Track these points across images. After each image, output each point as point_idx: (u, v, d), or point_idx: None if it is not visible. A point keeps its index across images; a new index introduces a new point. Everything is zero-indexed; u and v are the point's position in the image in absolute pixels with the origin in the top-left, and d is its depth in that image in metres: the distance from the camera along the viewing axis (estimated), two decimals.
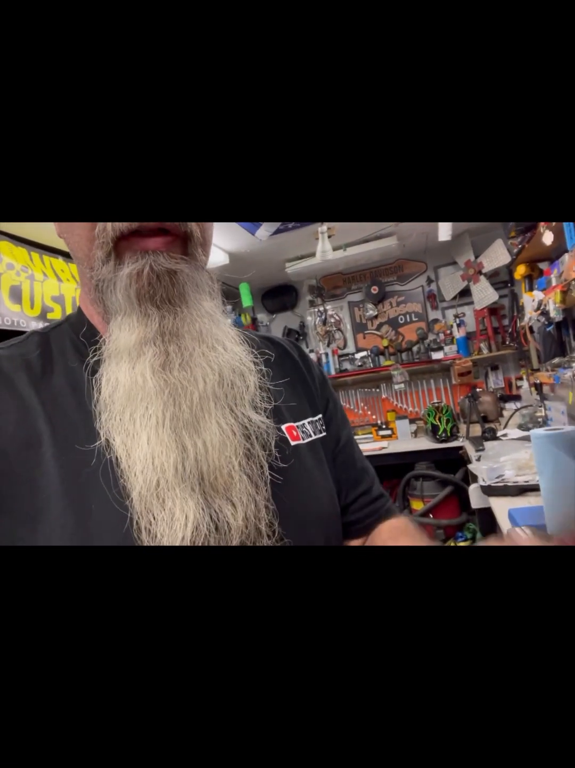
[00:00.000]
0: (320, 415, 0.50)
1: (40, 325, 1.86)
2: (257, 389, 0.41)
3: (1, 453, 0.34)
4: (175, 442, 0.35)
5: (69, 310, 2.02)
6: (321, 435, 0.48)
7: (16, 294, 1.85)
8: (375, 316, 3.26)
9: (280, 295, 3.47)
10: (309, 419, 0.48)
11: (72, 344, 0.41)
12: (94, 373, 0.38)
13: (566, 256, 1.58)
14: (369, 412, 3.30)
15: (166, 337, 0.36)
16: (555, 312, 1.60)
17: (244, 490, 0.36)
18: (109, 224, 0.34)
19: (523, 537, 0.75)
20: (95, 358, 0.38)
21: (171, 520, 0.33)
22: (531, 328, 2.21)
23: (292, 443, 0.44)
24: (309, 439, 0.46)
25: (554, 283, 1.74)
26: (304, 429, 0.46)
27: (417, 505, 2.54)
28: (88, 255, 0.36)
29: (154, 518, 0.33)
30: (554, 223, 1.61)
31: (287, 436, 0.44)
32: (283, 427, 0.44)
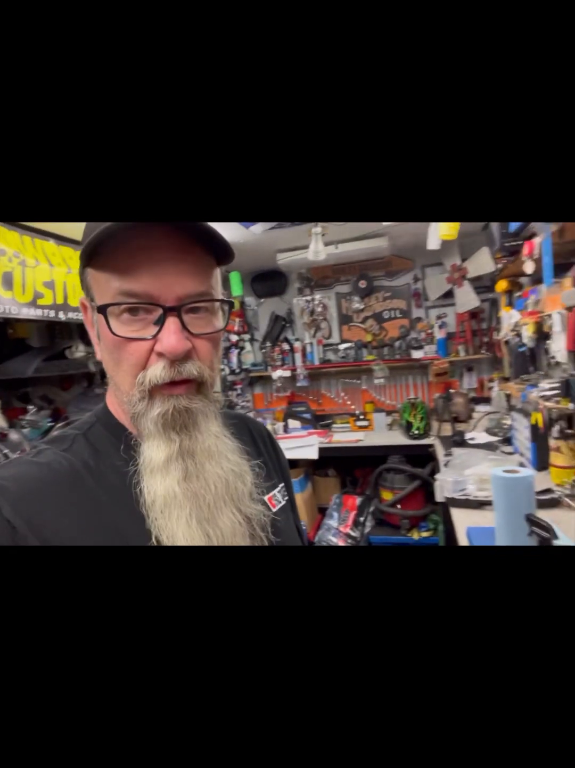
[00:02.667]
0: (283, 484, 0.61)
1: (31, 312, 1.86)
2: (253, 486, 0.51)
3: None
4: (202, 533, 0.45)
5: (59, 296, 2.02)
6: (285, 500, 0.59)
7: (7, 280, 1.84)
8: (362, 310, 3.34)
9: (269, 280, 3.49)
10: (278, 489, 0.58)
11: (112, 445, 0.49)
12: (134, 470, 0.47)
13: (543, 289, 1.68)
14: (348, 402, 3.44)
15: (184, 455, 0.45)
16: (528, 339, 1.72)
17: None
18: (147, 377, 0.44)
19: None
20: (135, 467, 0.47)
21: None
22: (506, 342, 2.34)
23: (272, 511, 0.54)
24: (280, 505, 0.57)
25: (530, 308, 1.86)
26: (276, 497, 0.57)
27: (387, 496, 2.73)
28: (129, 392, 0.45)
29: None
30: (536, 254, 1.70)
31: (269, 505, 0.55)
32: (265, 498, 0.53)
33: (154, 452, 0.45)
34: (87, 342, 2.32)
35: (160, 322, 0.43)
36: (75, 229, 1.80)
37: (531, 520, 0.97)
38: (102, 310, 0.42)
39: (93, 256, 0.43)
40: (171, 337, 0.42)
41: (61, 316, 1.93)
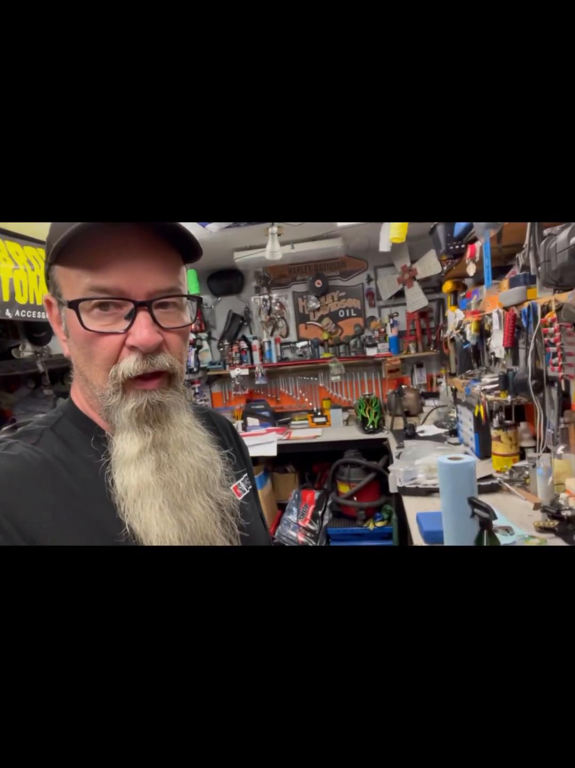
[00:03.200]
0: (246, 474, 0.65)
1: None
2: (223, 474, 0.53)
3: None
4: (175, 520, 0.47)
5: (6, 294, 1.94)
6: (249, 490, 0.63)
7: None
8: (318, 309, 3.42)
9: (226, 278, 3.48)
10: (242, 479, 0.62)
11: (81, 439, 0.49)
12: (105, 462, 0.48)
13: (484, 290, 1.81)
14: (306, 399, 3.50)
15: (157, 446, 0.47)
16: (471, 336, 1.85)
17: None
18: (120, 371, 0.45)
19: None
20: (106, 459, 0.48)
21: None
22: (452, 339, 2.49)
23: (239, 500, 0.58)
24: (244, 494, 0.61)
25: (473, 308, 1.99)
26: (240, 487, 0.61)
27: (344, 489, 2.82)
28: (102, 387, 0.46)
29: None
30: (477, 257, 1.83)
31: (234, 494, 0.58)
32: (232, 487, 0.57)
33: (127, 445, 0.46)
34: (34, 341, 2.22)
35: (131, 317, 0.44)
36: (21, 226, 1.73)
37: (473, 503, 1.05)
38: (73, 305, 0.43)
39: (62, 253, 0.43)
40: (143, 330, 0.44)
41: (8, 314, 1.85)
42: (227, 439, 0.66)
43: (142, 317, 0.44)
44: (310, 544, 2.74)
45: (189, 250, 0.49)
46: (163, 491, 0.47)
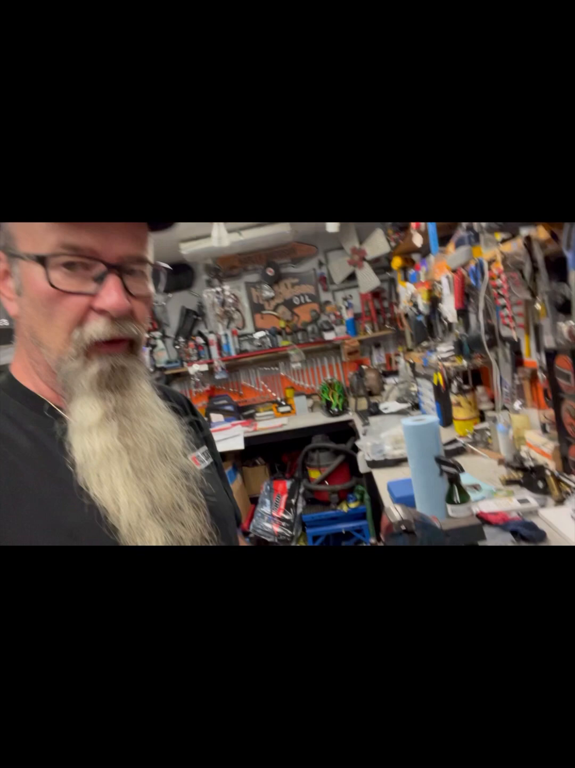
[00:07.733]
0: (205, 448, 0.64)
1: None
2: (183, 443, 0.52)
3: None
4: (142, 487, 0.45)
5: None
6: (209, 462, 0.63)
7: None
8: (272, 297, 3.37)
9: (175, 274, 3.37)
10: (201, 450, 0.61)
11: (21, 412, 0.47)
12: (51, 435, 0.45)
13: (431, 258, 1.83)
14: (269, 390, 3.46)
15: (119, 412, 0.46)
16: (423, 307, 1.87)
17: (189, 515, 0.49)
18: (86, 334, 0.43)
19: (396, 514, 0.94)
20: (53, 432, 0.45)
21: (146, 542, 0.44)
22: (406, 315, 2.52)
23: (198, 468, 0.57)
24: (204, 464, 0.60)
25: (422, 279, 2.02)
26: (199, 458, 0.60)
27: (315, 474, 2.80)
28: (60, 350, 0.44)
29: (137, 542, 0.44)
30: (423, 228, 1.85)
31: (193, 463, 0.56)
32: (190, 456, 0.56)
33: (88, 410, 0.44)
34: None
35: (101, 280, 0.43)
36: None
37: (440, 461, 1.05)
38: (41, 260, 0.41)
39: None
40: (115, 295, 0.42)
41: None
42: (183, 411, 0.63)
43: (114, 281, 0.43)
44: (286, 534, 2.71)
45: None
46: (128, 456, 0.45)
